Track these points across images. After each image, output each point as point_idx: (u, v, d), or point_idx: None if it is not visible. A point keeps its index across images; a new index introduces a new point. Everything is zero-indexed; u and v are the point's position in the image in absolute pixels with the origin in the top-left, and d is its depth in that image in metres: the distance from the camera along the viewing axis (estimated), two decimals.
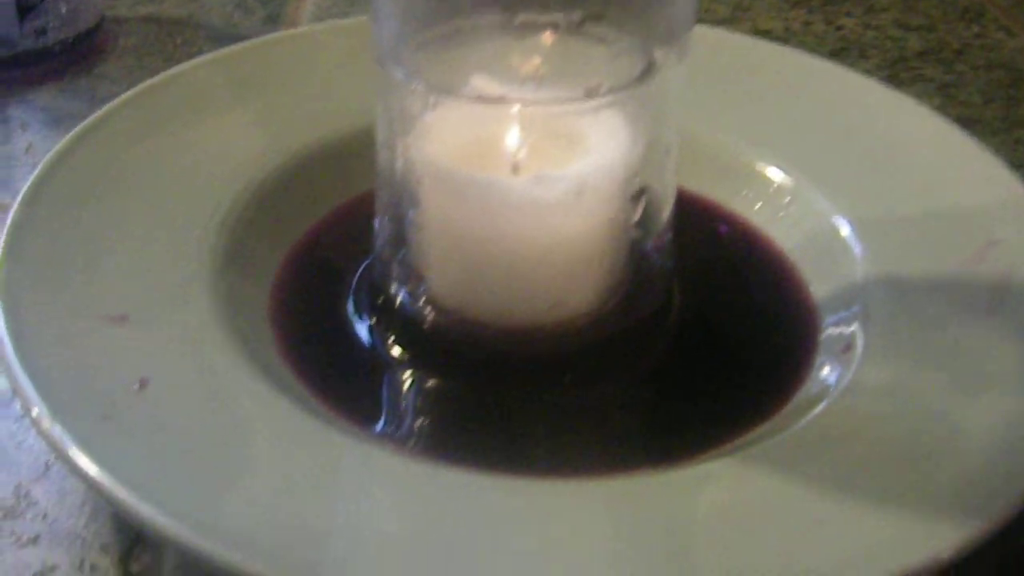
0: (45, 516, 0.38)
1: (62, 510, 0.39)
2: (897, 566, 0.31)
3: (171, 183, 0.44)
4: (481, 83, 0.37)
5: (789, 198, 0.48)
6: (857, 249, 0.45)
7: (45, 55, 0.62)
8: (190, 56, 0.54)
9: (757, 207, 0.48)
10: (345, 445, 0.36)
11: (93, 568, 0.37)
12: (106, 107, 0.47)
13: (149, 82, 0.49)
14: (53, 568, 0.37)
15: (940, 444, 0.36)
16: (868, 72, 0.61)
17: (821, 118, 0.51)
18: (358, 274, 0.44)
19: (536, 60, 0.37)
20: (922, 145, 0.49)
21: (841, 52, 0.70)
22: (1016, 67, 0.69)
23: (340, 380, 0.40)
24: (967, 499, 0.34)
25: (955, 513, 0.33)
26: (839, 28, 0.73)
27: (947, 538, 0.32)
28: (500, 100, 0.37)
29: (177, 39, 0.67)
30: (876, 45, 0.71)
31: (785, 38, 0.71)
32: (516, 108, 0.37)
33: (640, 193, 0.40)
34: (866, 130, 0.50)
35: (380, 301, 0.42)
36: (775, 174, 0.49)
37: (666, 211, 0.41)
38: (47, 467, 0.40)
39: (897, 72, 0.68)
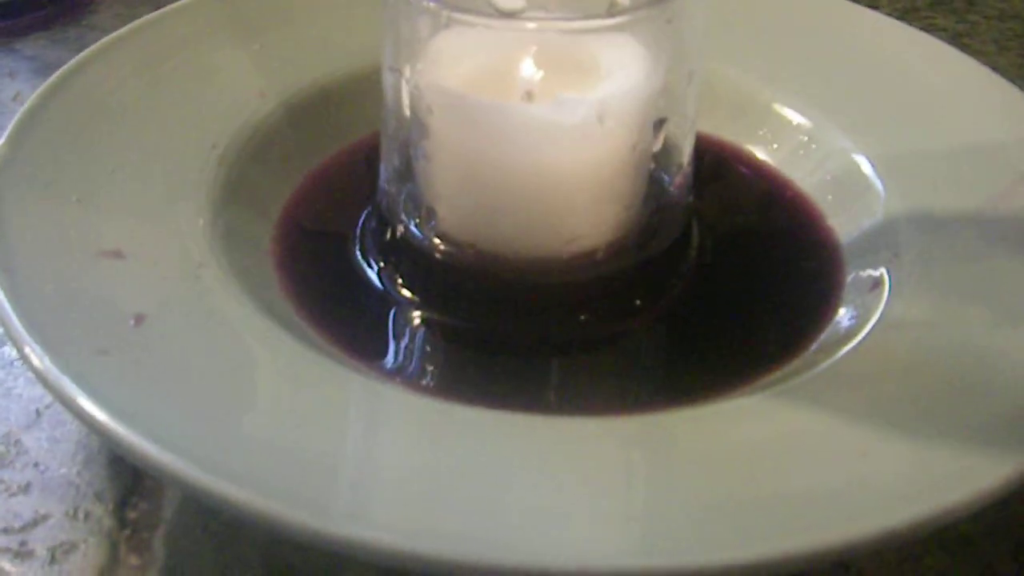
0: (36, 464, 0.37)
1: (54, 458, 0.37)
2: (944, 500, 0.30)
3: (168, 118, 0.42)
4: None
5: (807, 137, 0.46)
6: (880, 186, 0.43)
7: (32, 4, 0.60)
8: None
9: (775, 146, 0.47)
10: (351, 381, 0.34)
11: (87, 516, 0.35)
12: (99, 43, 0.45)
13: (144, 18, 0.47)
14: (45, 517, 0.35)
15: (978, 378, 0.34)
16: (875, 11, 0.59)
17: (840, 56, 0.49)
18: (365, 212, 0.42)
19: None
20: (945, 81, 0.47)
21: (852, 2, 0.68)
22: None
23: (345, 317, 0.38)
24: (1010, 433, 0.32)
25: (999, 447, 0.32)
26: None
27: (992, 472, 0.30)
28: (517, 19, 0.35)
29: None
30: None
31: None
32: (533, 27, 0.35)
33: (662, 121, 0.38)
34: (887, 67, 0.48)
35: (387, 238, 0.40)
36: (793, 113, 0.47)
37: (687, 142, 0.39)
38: (38, 414, 0.38)
39: (909, 22, 0.66)
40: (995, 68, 0.61)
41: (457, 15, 0.35)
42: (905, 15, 0.67)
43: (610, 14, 0.35)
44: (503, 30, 0.36)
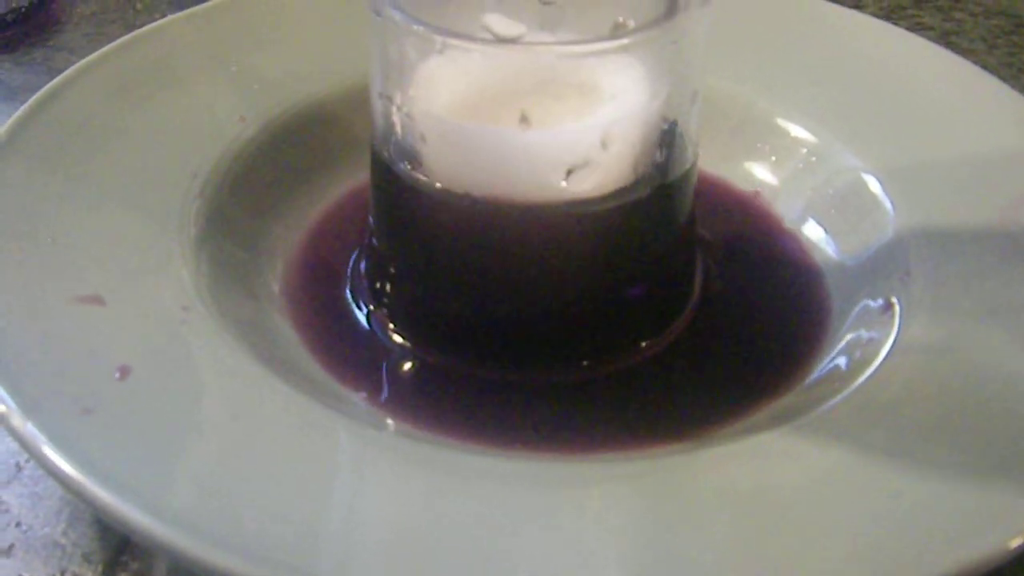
0: (19, 524, 0.35)
1: (37, 517, 0.35)
2: (988, 544, 0.28)
3: (144, 150, 0.41)
4: (495, 21, 0.33)
5: (806, 150, 0.45)
6: (887, 201, 0.42)
7: None
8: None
9: (775, 159, 0.45)
10: (346, 431, 0.32)
11: None
12: (71, 69, 0.43)
13: (117, 42, 0.45)
14: None
15: (1007, 405, 0.33)
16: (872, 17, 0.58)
17: (840, 66, 0.48)
18: (356, 251, 0.41)
19: (551, 1, 0.34)
20: (949, 90, 0.46)
21: (836, 2, 0.67)
22: (1016, 13, 0.66)
23: (335, 363, 0.37)
24: None
25: None
26: None
27: None
28: (515, 43, 0.33)
29: (138, 4, 0.62)
30: None
31: None
32: (533, 52, 0.33)
33: (666, 140, 0.36)
34: (888, 77, 0.47)
35: (376, 285, 0.39)
36: (794, 126, 0.45)
37: (690, 160, 0.38)
38: (18, 468, 0.36)
39: (895, 21, 0.65)
40: (985, 66, 0.60)
41: (453, 41, 0.33)
42: (891, 14, 0.66)
43: (614, 36, 0.33)
44: (500, 55, 0.34)
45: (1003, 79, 0.59)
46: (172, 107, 0.43)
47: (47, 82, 0.44)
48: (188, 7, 0.50)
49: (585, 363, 0.37)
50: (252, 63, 0.45)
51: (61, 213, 0.38)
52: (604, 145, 0.34)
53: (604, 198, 0.35)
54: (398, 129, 0.36)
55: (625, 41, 0.33)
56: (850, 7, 0.66)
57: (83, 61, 0.44)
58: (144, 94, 0.43)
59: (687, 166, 0.37)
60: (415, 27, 0.33)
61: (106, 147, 0.41)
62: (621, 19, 0.33)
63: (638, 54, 0.34)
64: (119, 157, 0.40)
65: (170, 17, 0.48)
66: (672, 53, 0.35)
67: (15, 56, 0.58)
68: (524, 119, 0.34)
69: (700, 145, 0.39)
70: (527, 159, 0.34)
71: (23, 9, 0.59)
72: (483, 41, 0.33)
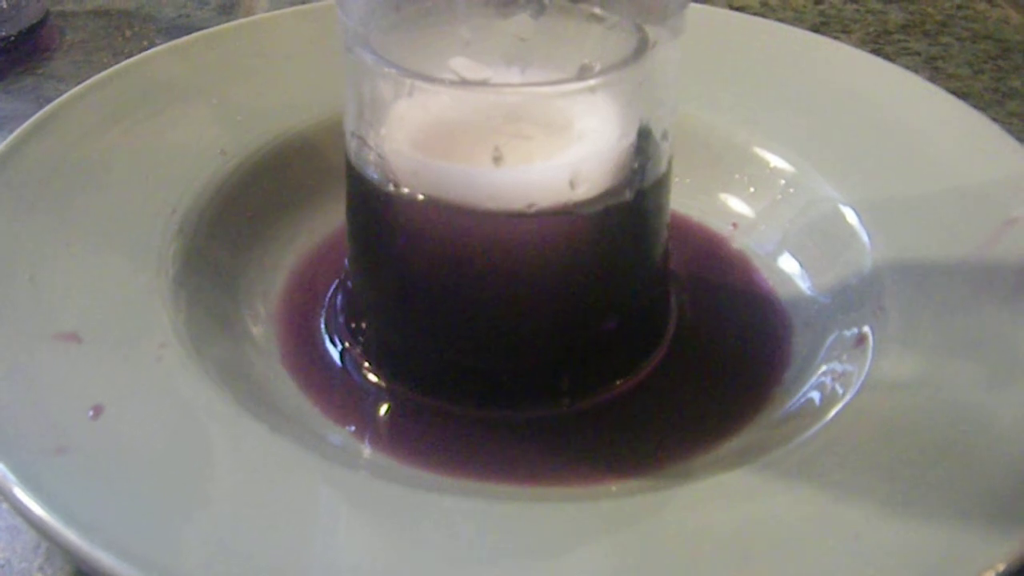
0: None
1: (15, 551, 0.35)
2: None
3: (124, 185, 0.41)
4: (461, 65, 0.33)
5: (784, 181, 0.45)
6: (863, 233, 0.42)
7: None
8: (141, 51, 0.51)
9: (752, 191, 0.45)
10: (323, 474, 0.32)
11: None
12: (54, 103, 0.44)
13: (99, 76, 0.46)
14: None
15: (972, 444, 0.33)
16: (853, 47, 0.58)
17: (819, 97, 0.48)
18: (333, 285, 0.41)
19: (521, 39, 0.34)
20: (927, 121, 0.46)
21: (822, 27, 0.67)
22: (1002, 38, 0.66)
23: (311, 399, 0.37)
24: (1011, 507, 0.31)
25: (999, 523, 0.30)
26: (819, 2, 0.70)
27: (995, 552, 0.29)
28: (484, 84, 0.33)
29: (127, 32, 0.63)
30: (857, 19, 0.68)
31: (762, 14, 0.68)
32: (502, 92, 0.33)
33: (636, 180, 0.36)
34: (866, 108, 0.47)
35: (352, 325, 0.39)
36: (772, 157, 0.46)
37: (664, 198, 0.38)
38: None
39: (882, 46, 0.65)
40: (970, 92, 0.60)
41: (421, 84, 0.33)
42: (877, 39, 0.66)
43: (581, 77, 0.34)
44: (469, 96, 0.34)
45: (988, 104, 0.59)
46: (154, 141, 0.43)
47: (36, 110, 0.44)
48: (176, 35, 0.51)
49: (565, 401, 0.37)
50: (234, 95, 0.46)
51: (40, 250, 0.38)
52: (573, 185, 0.34)
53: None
54: (371, 167, 0.36)
55: (592, 82, 0.33)
56: (837, 31, 0.66)
57: (64, 96, 0.44)
58: (125, 128, 0.43)
59: (660, 201, 0.38)
60: (385, 69, 0.34)
61: (86, 182, 0.41)
62: (588, 60, 0.34)
63: (607, 94, 0.34)
64: (99, 192, 0.41)
65: (154, 49, 0.48)
66: (641, 92, 0.35)
67: (4, 84, 0.58)
68: (497, 158, 0.34)
69: (677, 175, 0.39)
70: (497, 197, 0.34)
71: (11, 38, 0.60)
72: (451, 83, 0.33)
